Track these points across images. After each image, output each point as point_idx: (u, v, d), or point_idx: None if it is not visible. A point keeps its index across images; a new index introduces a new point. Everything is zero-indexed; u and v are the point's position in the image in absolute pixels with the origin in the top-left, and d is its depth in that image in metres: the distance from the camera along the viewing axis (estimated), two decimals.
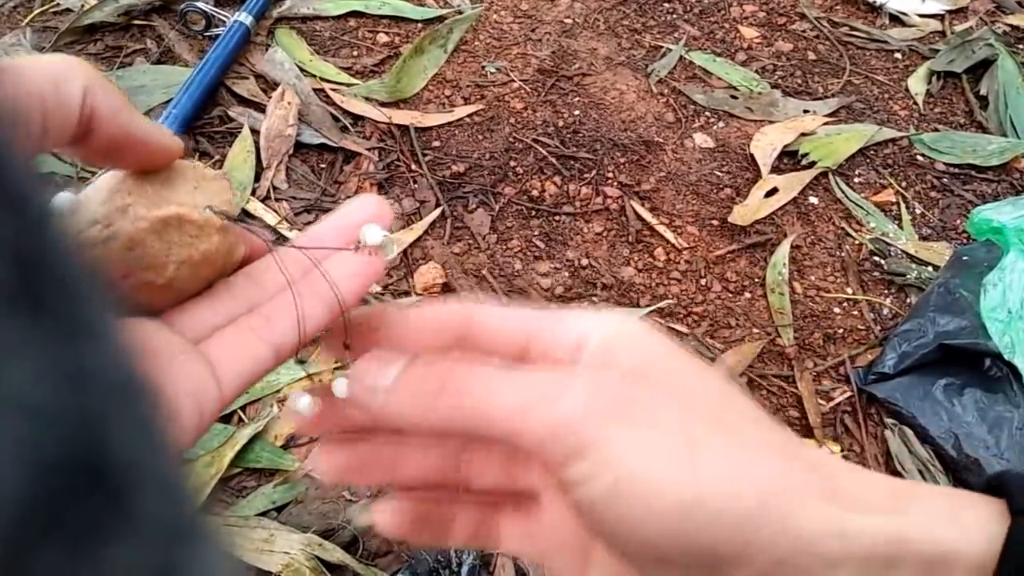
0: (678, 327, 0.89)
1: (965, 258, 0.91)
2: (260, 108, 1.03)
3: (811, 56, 1.24)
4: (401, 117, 1.05)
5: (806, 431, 0.83)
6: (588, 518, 0.23)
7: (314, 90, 1.07)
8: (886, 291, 0.95)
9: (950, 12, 1.35)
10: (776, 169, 1.05)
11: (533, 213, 0.98)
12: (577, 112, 1.10)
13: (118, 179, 0.28)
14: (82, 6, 1.12)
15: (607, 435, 0.22)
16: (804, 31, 1.28)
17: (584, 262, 0.94)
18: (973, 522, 0.22)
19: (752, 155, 1.06)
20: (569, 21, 1.25)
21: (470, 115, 1.07)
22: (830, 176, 1.05)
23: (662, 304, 0.90)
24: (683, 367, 0.25)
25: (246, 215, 0.91)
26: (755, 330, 0.90)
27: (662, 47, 1.22)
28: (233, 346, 0.27)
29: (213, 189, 0.29)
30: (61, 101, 0.24)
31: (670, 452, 0.22)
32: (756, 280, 0.95)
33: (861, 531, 0.22)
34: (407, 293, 0.87)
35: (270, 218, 0.91)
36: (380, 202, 0.29)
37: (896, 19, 1.33)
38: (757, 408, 0.25)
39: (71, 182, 0.82)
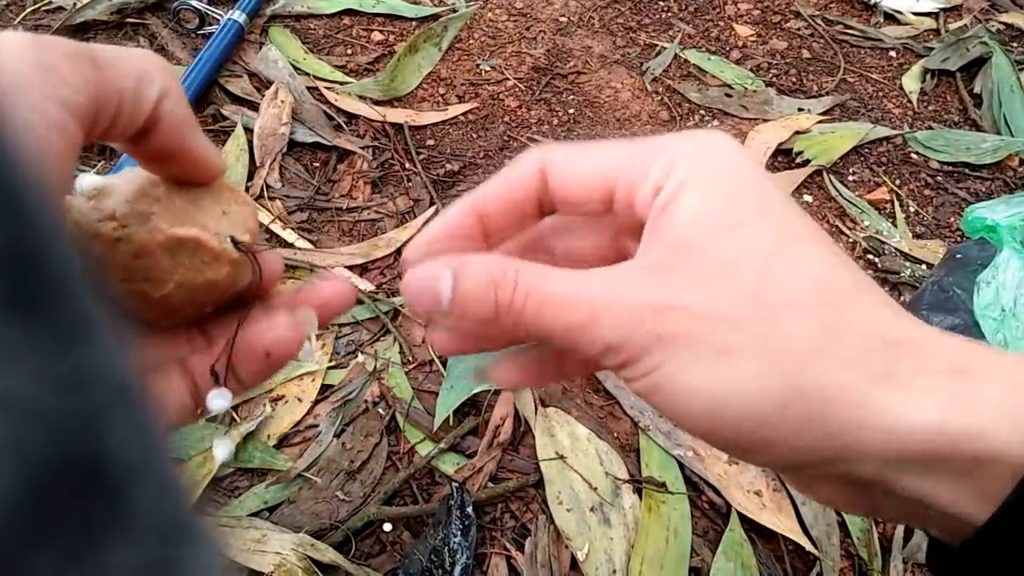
0: None
1: (959, 256, 0.91)
2: (254, 106, 1.03)
3: (806, 54, 1.24)
4: (395, 115, 1.05)
5: None
6: (640, 397, 0.27)
7: (308, 88, 1.06)
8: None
9: (944, 10, 1.35)
10: (771, 167, 1.05)
11: None
12: (572, 110, 1.10)
13: (151, 182, 0.27)
14: (74, 4, 1.11)
15: (648, 351, 0.24)
16: (799, 29, 1.29)
17: None
18: None
19: None
20: (564, 19, 1.25)
21: (464, 113, 1.07)
22: (824, 174, 1.05)
23: None
24: (760, 231, 0.24)
25: None
26: None
27: (657, 45, 1.22)
28: (167, 391, 0.27)
29: (240, 216, 0.28)
30: (137, 99, 0.24)
31: (701, 362, 0.24)
32: None
33: (901, 422, 0.22)
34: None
35: (264, 216, 0.90)
36: (344, 286, 0.30)
37: (890, 17, 1.33)
38: (830, 261, 0.24)
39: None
